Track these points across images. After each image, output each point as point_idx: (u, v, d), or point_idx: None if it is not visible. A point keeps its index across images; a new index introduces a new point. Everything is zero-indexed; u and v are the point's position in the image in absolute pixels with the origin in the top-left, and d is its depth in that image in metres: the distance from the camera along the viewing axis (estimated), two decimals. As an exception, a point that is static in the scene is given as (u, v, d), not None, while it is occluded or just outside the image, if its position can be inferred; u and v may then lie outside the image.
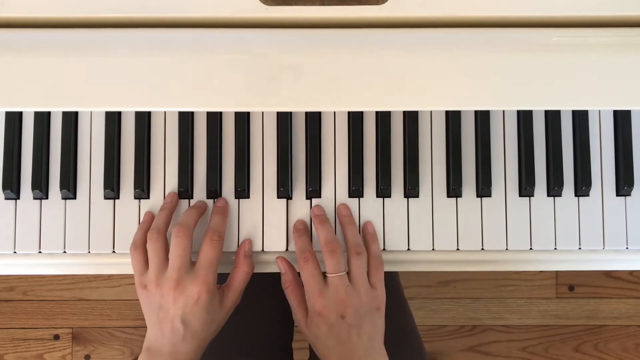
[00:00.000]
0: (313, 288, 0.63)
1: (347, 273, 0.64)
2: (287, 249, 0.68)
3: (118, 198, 0.68)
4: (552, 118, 0.69)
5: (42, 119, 0.68)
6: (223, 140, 0.69)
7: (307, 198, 0.69)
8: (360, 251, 0.65)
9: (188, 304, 0.61)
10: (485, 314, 1.45)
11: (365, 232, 0.68)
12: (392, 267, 0.68)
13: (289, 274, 0.67)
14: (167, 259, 0.63)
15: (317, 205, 0.68)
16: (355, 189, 0.68)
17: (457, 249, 0.68)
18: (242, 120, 0.68)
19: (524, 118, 0.69)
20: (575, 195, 0.69)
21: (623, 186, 0.68)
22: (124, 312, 1.45)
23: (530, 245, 0.68)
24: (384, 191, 0.68)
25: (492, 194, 0.68)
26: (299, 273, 0.68)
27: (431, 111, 0.69)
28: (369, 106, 0.61)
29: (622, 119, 0.69)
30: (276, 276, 0.68)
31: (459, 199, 0.68)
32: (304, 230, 0.67)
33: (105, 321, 1.45)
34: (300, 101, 0.57)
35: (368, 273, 0.65)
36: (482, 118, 0.69)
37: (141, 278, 0.63)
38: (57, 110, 0.68)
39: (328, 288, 0.63)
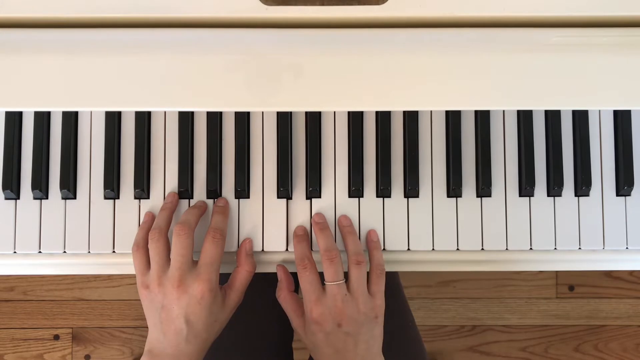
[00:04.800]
0: (310, 295, 0.63)
1: (347, 282, 0.64)
2: (287, 249, 0.68)
3: (118, 198, 0.68)
4: (552, 118, 0.69)
5: (42, 119, 0.68)
6: (223, 140, 0.69)
7: (307, 198, 0.69)
8: (360, 260, 0.64)
9: (191, 303, 0.61)
10: (485, 314, 1.45)
11: (369, 240, 0.67)
12: (392, 267, 0.68)
13: (282, 282, 0.67)
14: (168, 258, 0.63)
15: (318, 213, 0.68)
16: (355, 189, 0.68)
17: (457, 249, 0.68)
18: (242, 120, 0.68)
19: (524, 118, 0.69)
20: (575, 195, 0.69)
21: (623, 186, 0.68)
22: (124, 312, 1.45)
23: (530, 245, 0.68)
24: (384, 191, 0.68)
25: (492, 194, 0.68)
26: (297, 283, 0.68)
27: (431, 111, 0.69)
28: (369, 106, 0.61)
29: (622, 119, 0.69)
30: (276, 276, 0.68)
31: (459, 199, 0.68)
32: (304, 237, 0.67)
33: (105, 321, 1.45)
34: (300, 101, 0.58)
35: (369, 281, 0.65)
36: (482, 118, 0.69)
37: (143, 278, 0.63)
38: (57, 110, 0.68)
39: (325, 296, 0.63)
